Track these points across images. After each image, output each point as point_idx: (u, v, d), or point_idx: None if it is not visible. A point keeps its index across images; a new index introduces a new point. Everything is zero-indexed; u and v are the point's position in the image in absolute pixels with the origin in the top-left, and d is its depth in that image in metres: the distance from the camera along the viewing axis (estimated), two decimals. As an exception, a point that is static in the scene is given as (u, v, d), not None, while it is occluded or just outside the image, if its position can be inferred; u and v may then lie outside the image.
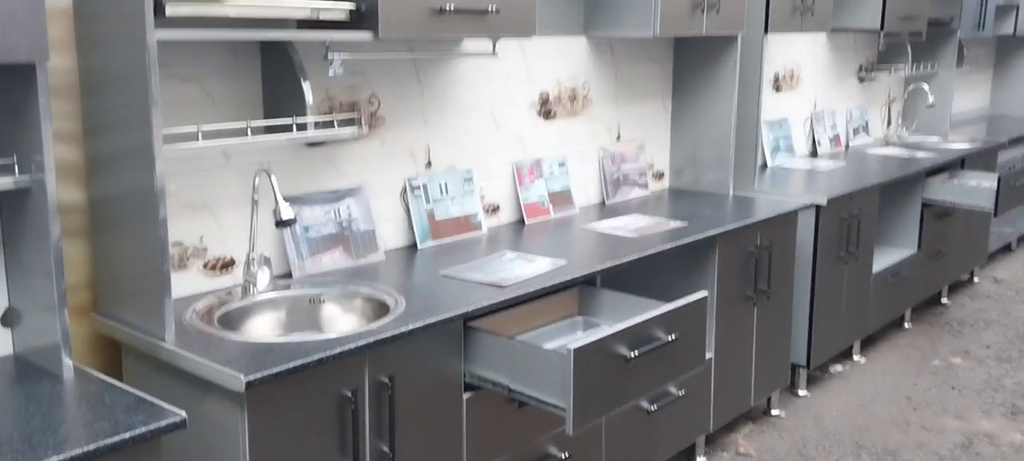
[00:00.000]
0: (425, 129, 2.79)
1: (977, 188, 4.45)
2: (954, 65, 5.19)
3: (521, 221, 3.11)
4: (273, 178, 2.13)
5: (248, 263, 2.22)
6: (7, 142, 1.72)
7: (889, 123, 5.38)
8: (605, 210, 3.33)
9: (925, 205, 4.45)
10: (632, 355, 2.09)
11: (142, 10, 1.74)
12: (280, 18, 2.15)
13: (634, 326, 2.14)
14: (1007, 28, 5.91)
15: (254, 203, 2.22)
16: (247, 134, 2.14)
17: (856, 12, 4.32)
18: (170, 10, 1.81)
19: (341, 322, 2.26)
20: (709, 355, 3.05)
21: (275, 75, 2.29)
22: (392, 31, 2.20)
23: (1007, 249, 6.07)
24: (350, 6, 2.18)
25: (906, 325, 4.62)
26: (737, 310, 3.17)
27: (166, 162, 1.89)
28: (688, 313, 2.30)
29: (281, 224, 2.12)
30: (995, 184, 4.32)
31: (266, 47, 2.29)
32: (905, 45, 4.92)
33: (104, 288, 2.10)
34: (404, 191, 2.74)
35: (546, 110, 3.21)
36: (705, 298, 2.34)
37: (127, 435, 1.51)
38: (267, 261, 2.25)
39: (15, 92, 1.67)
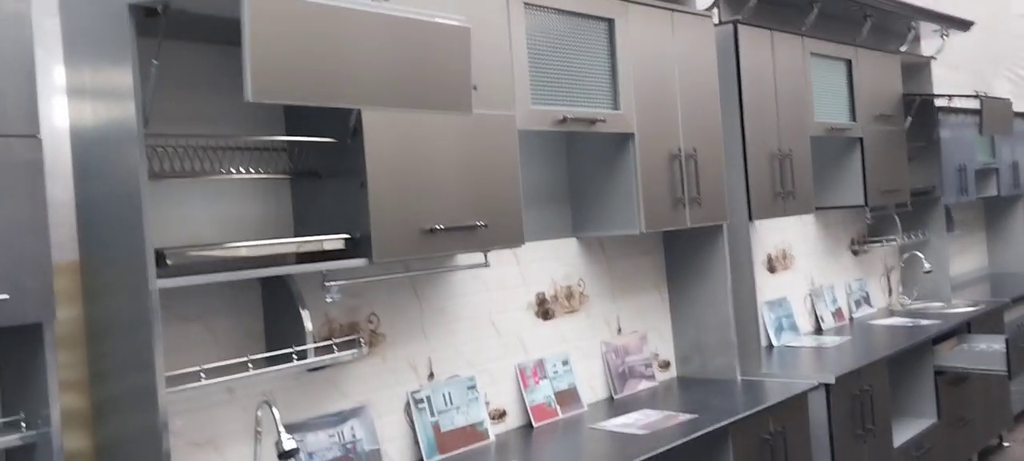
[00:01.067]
0: (425, 341, 2.84)
1: (987, 351, 4.42)
2: (944, 230, 5.30)
3: (529, 425, 3.09)
4: (274, 410, 2.16)
5: (252, 497, 2.20)
6: (15, 398, 1.77)
7: (890, 292, 5.42)
8: (614, 405, 3.31)
9: (938, 372, 4.40)
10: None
11: (144, 262, 1.84)
12: (279, 254, 2.26)
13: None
14: (991, 190, 6.07)
15: (257, 436, 2.24)
16: (248, 369, 2.19)
17: (839, 191, 4.47)
18: (171, 260, 1.90)
19: (347, 551, 2.21)
20: (733, 551, 2.93)
21: (275, 307, 2.37)
22: (386, 255, 2.30)
23: (1033, 408, 5.92)
24: (345, 236, 2.29)
25: (940, 498, 4.45)
26: (757, 500, 3.09)
27: (170, 402, 1.93)
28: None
29: (284, 456, 2.12)
30: (1004, 346, 4.30)
31: (266, 281, 2.38)
32: (893, 217, 5.05)
33: (107, 536, 2.08)
34: (408, 405, 2.76)
35: (544, 310, 3.27)
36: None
37: None
38: (271, 493, 2.23)
39: (23, 349, 1.74)
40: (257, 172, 2.33)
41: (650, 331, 3.70)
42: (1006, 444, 5.28)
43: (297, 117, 2.44)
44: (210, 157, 2.23)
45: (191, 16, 1.98)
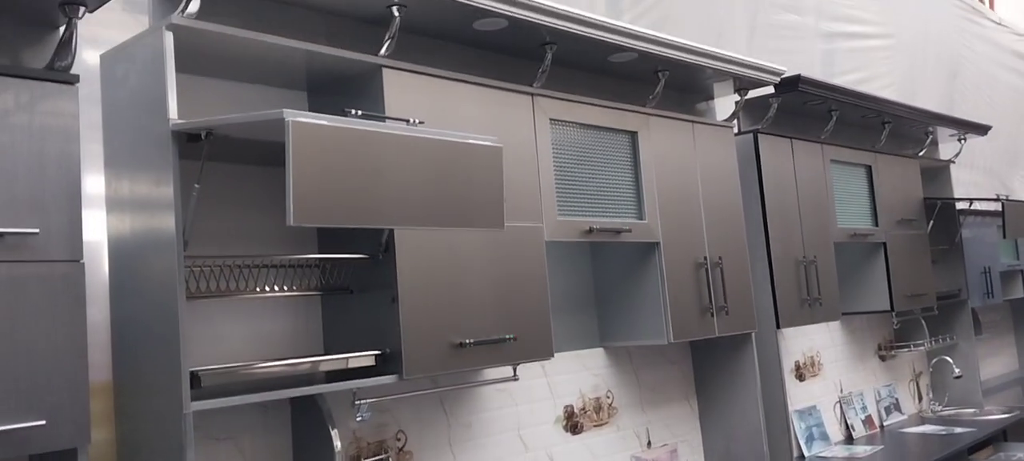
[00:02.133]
0: (452, 458, 2.79)
1: (1026, 460, 4.30)
2: (973, 334, 5.22)
3: (557, 544, 3.00)
4: (303, 532, 2.11)
5: None
6: (43, 524, 1.74)
7: (920, 398, 5.31)
8: (643, 523, 3.22)
9: (976, 482, 4.27)
10: None
11: (179, 383, 1.83)
12: (309, 373, 2.24)
13: None
14: (1017, 292, 6.01)
15: (284, 559, 2.18)
16: (278, 489, 2.15)
17: (865, 296, 4.44)
18: (206, 382, 1.90)
19: None
20: None
21: (305, 426, 2.34)
22: (416, 370, 2.29)
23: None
24: (376, 352, 2.28)
25: None
26: None
27: (197, 528, 1.89)
28: None
29: None
30: (1043, 454, 4.18)
31: (295, 400, 2.36)
32: (920, 321, 4.99)
33: None
34: (435, 526, 2.69)
35: (573, 424, 3.22)
36: None
37: None
38: None
39: (55, 474, 1.73)
40: (290, 290, 2.34)
41: (681, 443, 3.62)
42: (1050, 558, 5.07)
43: (329, 234, 2.47)
44: (245, 276, 2.24)
45: (232, 140, 2.02)
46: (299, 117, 1.68)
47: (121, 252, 2.10)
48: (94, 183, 2.14)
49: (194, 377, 1.89)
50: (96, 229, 2.13)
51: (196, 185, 1.93)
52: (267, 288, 2.29)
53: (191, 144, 1.95)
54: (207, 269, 2.14)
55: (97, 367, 2.07)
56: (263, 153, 2.23)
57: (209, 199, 2.22)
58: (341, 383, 2.23)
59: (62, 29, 1.92)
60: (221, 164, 2.29)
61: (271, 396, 2.06)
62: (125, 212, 2.08)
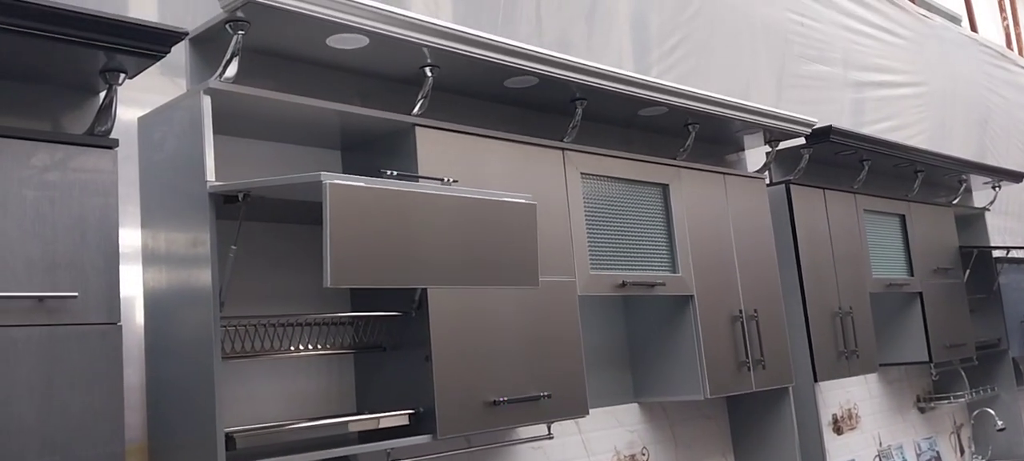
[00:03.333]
0: (487, 519, 2.74)
1: (1076, 516, 4.15)
2: (1014, 384, 5.09)
3: None
4: None
5: None
6: None
7: (961, 452, 5.16)
8: None
9: (1024, 540, 4.12)
10: None
11: (214, 445, 1.82)
12: (342, 434, 2.22)
13: None
14: (1058, 340, 5.86)
15: None
16: (311, 553, 2.11)
17: (902, 347, 4.35)
18: (241, 444, 1.88)
19: None
20: None
21: (338, 486, 2.31)
22: (450, 429, 2.26)
23: None
24: (410, 411, 2.25)
25: None
26: None
27: None
28: None
29: None
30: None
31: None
32: (959, 372, 4.88)
33: None
34: None
35: (607, 482, 3.16)
36: None
37: None
38: None
39: (90, 541, 1.71)
40: (324, 348, 2.33)
41: (716, 500, 3.54)
42: None
43: (363, 291, 2.46)
44: (279, 335, 2.24)
45: (268, 199, 2.04)
46: (336, 179, 1.68)
47: (157, 311, 2.11)
48: (130, 241, 2.15)
49: (229, 439, 1.88)
50: (132, 285, 2.13)
51: (233, 247, 1.94)
52: (301, 347, 2.28)
53: (228, 205, 1.97)
54: (243, 328, 2.14)
55: (132, 427, 2.06)
56: (298, 212, 2.24)
57: (244, 257, 2.23)
58: (375, 443, 2.21)
59: (102, 94, 1.96)
60: (257, 223, 2.30)
61: (307, 458, 2.03)
62: (162, 271, 2.09)
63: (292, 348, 2.26)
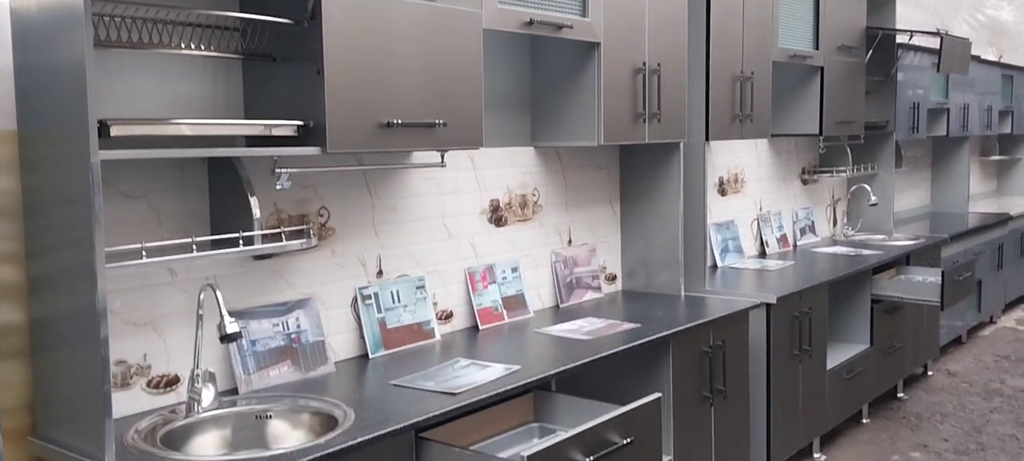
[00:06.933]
0: (376, 239, 2.81)
1: (923, 283, 4.57)
2: (893, 166, 5.39)
3: (475, 327, 3.11)
4: (218, 292, 2.12)
5: (192, 380, 2.18)
6: (-56, 264, 1.70)
7: (835, 223, 5.53)
8: (559, 314, 3.35)
9: (874, 301, 4.54)
10: (587, 461, 2.07)
11: (86, 132, 1.76)
12: (228, 136, 2.18)
13: (589, 430, 2.13)
14: (940, 130, 6.18)
15: (199, 318, 2.20)
16: (192, 250, 2.14)
17: (795, 119, 4.50)
18: (115, 131, 1.83)
19: (288, 438, 2.22)
20: (667, 457, 3.02)
21: (222, 190, 2.31)
22: (340, 145, 2.25)
23: (958, 342, 6.18)
24: (298, 122, 2.22)
25: (864, 420, 4.65)
26: (694, 411, 3.17)
27: (110, 280, 1.88)
28: (643, 415, 2.30)
29: (225, 338, 2.10)
30: (940, 279, 4.45)
31: (213, 163, 2.31)
32: (845, 148, 5.12)
33: (43, 410, 2.05)
34: (355, 301, 2.74)
35: (497, 217, 3.26)
36: (659, 399, 2.35)
37: None
38: (212, 377, 2.21)
39: (-46, 214, 1.67)
40: (208, 50, 2.24)
41: (599, 244, 3.72)
42: (930, 373, 5.51)
43: (252, -4, 2.34)
44: (160, 30, 2.12)
45: None
46: None
47: (22, -8, 1.95)
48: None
49: (103, 126, 1.82)
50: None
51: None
52: (184, 46, 2.18)
53: None
54: (118, 19, 2.01)
55: (1, 115, 1.97)
56: None
57: (120, -57, 2.06)
58: (261, 149, 2.19)
59: None
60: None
61: (186, 153, 2.01)
62: (25, -53, 1.92)
63: (173, 46, 2.15)
